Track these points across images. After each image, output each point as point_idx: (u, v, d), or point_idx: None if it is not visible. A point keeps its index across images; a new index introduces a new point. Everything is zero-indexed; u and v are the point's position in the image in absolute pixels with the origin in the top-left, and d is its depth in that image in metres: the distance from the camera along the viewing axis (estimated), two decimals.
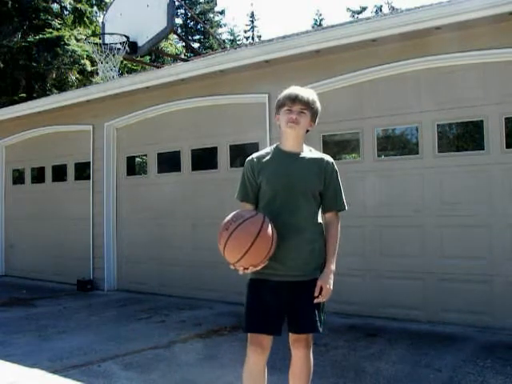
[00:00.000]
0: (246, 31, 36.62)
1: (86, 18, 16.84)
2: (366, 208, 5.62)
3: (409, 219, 5.39)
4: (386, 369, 3.90)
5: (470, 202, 5.09)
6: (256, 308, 2.60)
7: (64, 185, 8.93)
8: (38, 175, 9.70)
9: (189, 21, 31.41)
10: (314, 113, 2.68)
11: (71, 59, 16.40)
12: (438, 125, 5.32)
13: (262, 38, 31.95)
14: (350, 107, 5.82)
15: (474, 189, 5.07)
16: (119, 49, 8.76)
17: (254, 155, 2.74)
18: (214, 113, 6.97)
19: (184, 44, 21.95)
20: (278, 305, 2.58)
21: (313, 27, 30.07)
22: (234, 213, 2.54)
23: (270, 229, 2.46)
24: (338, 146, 6.53)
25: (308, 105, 2.63)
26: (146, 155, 8.13)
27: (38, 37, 15.66)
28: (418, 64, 5.34)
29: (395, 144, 6.05)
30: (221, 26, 34.64)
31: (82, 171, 8.83)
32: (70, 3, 17.14)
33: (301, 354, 2.63)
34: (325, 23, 33.09)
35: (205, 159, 7.40)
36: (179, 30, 28.84)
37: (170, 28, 8.54)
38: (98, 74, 12.14)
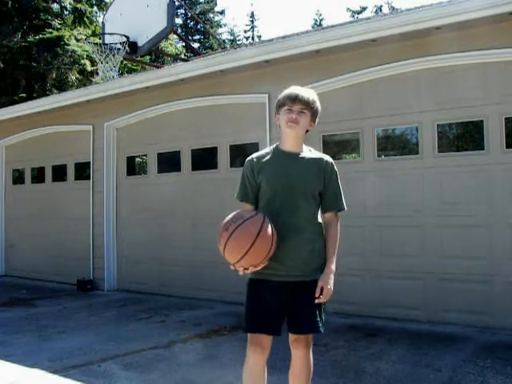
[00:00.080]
0: (246, 31, 36.68)
1: (86, 18, 16.85)
2: (365, 208, 5.62)
3: (409, 219, 5.39)
4: (386, 369, 3.89)
5: (470, 202, 5.09)
6: (256, 308, 2.60)
7: (64, 185, 8.93)
8: (38, 175, 9.70)
9: (189, 21, 31.42)
10: (314, 113, 2.68)
11: (71, 59, 16.40)
12: (437, 125, 5.32)
13: (261, 38, 31.99)
14: (349, 107, 5.82)
15: (474, 189, 5.07)
16: (119, 49, 8.76)
17: (254, 155, 2.74)
18: (214, 113, 6.97)
19: (184, 44, 21.96)
20: (277, 305, 2.58)
21: (313, 27, 30.08)
22: (234, 213, 2.53)
23: (270, 229, 2.46)
24: (337, 145, 6.52)
25: (308, 105, 2.63)
26: (146, 155, 8.13)
27: (38, 37, 15.66)
28: (418, 64, 5.34)
29: (395, 144, 6.05)
30: (221, 26, 34.68)
31: (82, 171, 8.83)
32: (69, 3, 17.14)
33: (300, 354, 2.62)
34: (325, 23, 33.12)
35: (205, 159, 7.40)
36: (179, 30, 28.85)
37: (170, 28, 8.54)
38: (97, 73, 12.15)
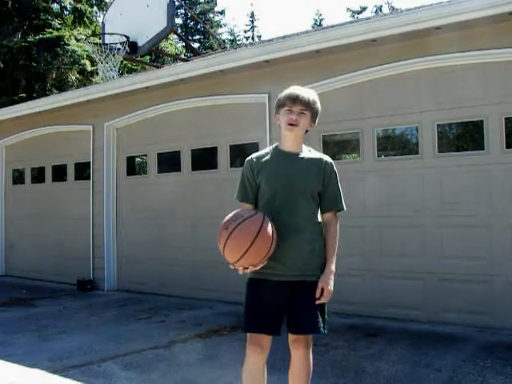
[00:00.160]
0: (246, 31, 36.67)
1: (86, 18, 16.85)
2: (365, 208, 5.62)
3: (409, 219, 5.39)
4: (386, 369, 3.89)
5: (469, 202, 5.09)
6: (255, 308, 2.60)
7: (64, 185, 8.93)
8: (38, 175, 9.70)
9: (189, 21, 31.42)
10: (314, 113, 2.68)
11: (71, 59, 16.40)
12: (437, 125, 5.32)
13: (261, 38, 31.98)
14: (349, 107, 5.82)
15: (474, 189, 5.07)
16: (119, 49, 8.77)
17: (254, 155, 2.75)
18: (214, 113, 6.97)
19: (184, 44, 21.96)
20: (277, 305, 2.58)
21: (313, 27, 30.08)
22: (234, 212, 2.53)
23: (269, 228, 2.46)
24: (337, 146, 6.53)
25: (308, 105, 2.63)
26: (146, 155, 8.13)
27: (38, 37, 15.66)
28: (418, 64, 5.34)
29: (395, 144, 6.05)
30: (221, 26, 34.68)
31: (82, 171, 8.83)
32: (69, 3, 17.14)
33: (300, 354, 2.62)
34: (325, 23, 33.12)
35: (205, 159, 7.40)
36: (179, 30, 28.85)
37: (170, 28, 8.54)
38: (97, 73, 12.15)
